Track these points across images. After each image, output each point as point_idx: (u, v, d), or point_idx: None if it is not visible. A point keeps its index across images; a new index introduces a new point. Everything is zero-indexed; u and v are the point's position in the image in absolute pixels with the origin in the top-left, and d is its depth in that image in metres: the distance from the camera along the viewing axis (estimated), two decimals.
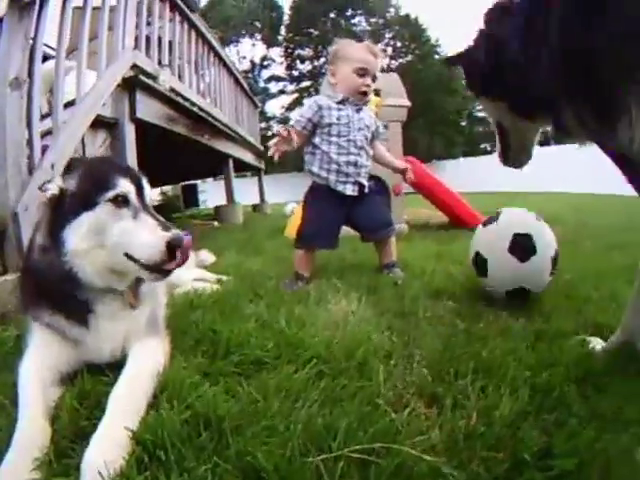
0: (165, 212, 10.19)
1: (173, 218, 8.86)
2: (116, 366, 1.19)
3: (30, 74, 2.59)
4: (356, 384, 1.11)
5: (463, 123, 34.88)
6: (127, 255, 1.16)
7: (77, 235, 1.14)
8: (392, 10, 33.90)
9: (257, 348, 1.31)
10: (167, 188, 14.31)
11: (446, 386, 1.12)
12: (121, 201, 1.16)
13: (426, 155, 28.85)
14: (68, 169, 1.22)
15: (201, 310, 1.67)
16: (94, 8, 3.26)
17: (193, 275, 2.31)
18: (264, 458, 0.82)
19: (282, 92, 35.63)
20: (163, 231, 1.15)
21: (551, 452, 0.86)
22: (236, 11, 32.03)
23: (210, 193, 15.87)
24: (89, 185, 1.17)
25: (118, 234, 1.15)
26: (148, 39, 4.36)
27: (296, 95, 34.63)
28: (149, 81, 3.81)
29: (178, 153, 5.56)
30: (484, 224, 1.96)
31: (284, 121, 34.51)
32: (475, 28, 1.32)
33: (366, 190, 2.34)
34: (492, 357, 1.21)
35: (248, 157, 8.07)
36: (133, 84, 3.61)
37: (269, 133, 32.64)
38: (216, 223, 5.97)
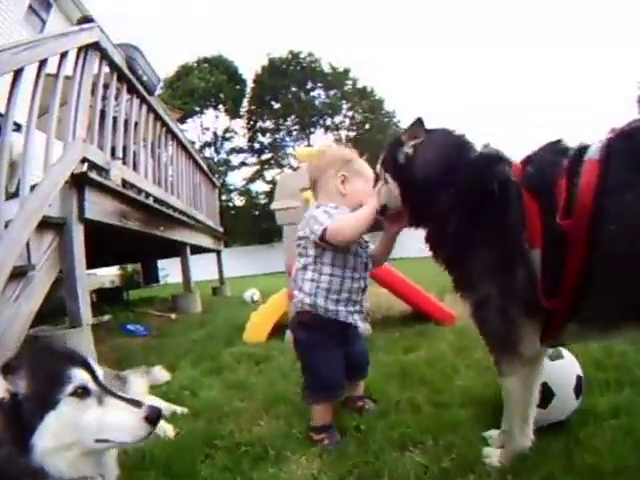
0: (123, 290, 9.94)
1: (130, 302, 8.54)
2: None
3: None
4: None
5: None
6: (100, 440, 1.16)
7: (46, 437, 1.10)
8: (349, 83, 35.53)
9: None
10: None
11: None
12: (82, 392, 1.16)
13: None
14: (8, 369, 1.16)
15: (153, 471, 1.56)
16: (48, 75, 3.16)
17: None
18: None
19: (243, 164, 36.10)
20: (136, 408, 1.17)
21: None
22: (202, 83, 32.84)
23: (171, 268, 15.41)
24: (44, 385, 1.15)
25: (89, 425, 1.14)
26: (103, 114, 4.30)
27: (257, 167, 35.36)
28: (99, 178, 3.67)
29: (133, 241, 5.41)
30: None
31: (245, 193, 35.01)
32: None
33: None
34: None
35: (206, 242, 7.95)
36: (82, 181, 3.45)
37: (230, 204, 33.01)
38: (173, 315, 5.76)
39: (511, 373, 1.41)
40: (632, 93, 22.40)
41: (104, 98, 4.38)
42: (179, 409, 2.25)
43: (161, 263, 14.95)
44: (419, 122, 1.53)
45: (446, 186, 1.42)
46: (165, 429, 1.96)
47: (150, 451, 1.68)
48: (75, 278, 3.28)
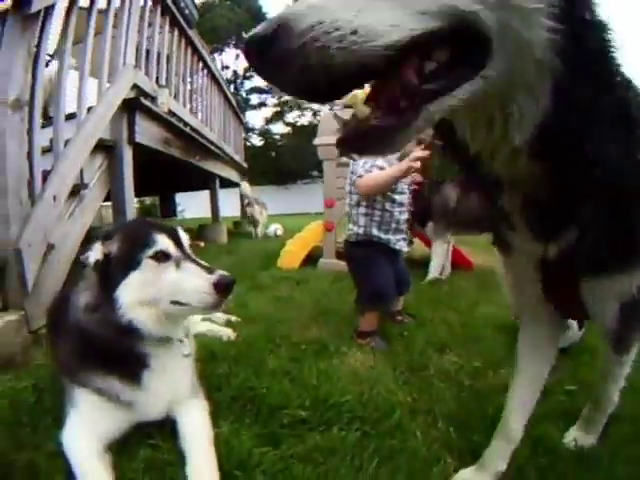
0: None
1: None
2: (157, 425, 1.28)
3: (32, 93, 2.36)
4: (400, 444, 1.23)
5: None
6: (176, 302, 1.24)
7: (129, 291, 1.21)
8: None
9: (298, 407, 1.38)
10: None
11: (465, 442, 1.24)
12: (161, 256, 1.25)
13: None
14: (106, 236, 1.29)
15: (225, 363, 1.72)
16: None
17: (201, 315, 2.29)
18: None
19: (263, 105, 35.33)
20: (208, 274, 1.22)
21: None
22: (225, 21, 31.73)
23: (187, 204, 15.54)
24: (130, 247, 1.26)
25: (165, 286, 1.23)
26: (147, 52, 4.33)
27: (277, 109, 34.65)
28: (149, 103, 3.79)
29: (166, 169, 5.54)
30: None
31: (264, 133, 34.47)
32: None
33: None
34: (497, 415, 1.22)
35: (233, 175, 8.05)
36: (133, 106, 3.58)
37: (248, 144, 32.55)
38: (202, 243, 5.89)
39: (634, 350, 1.27)
40: None
41: (149, 25, 4.41)
42: (233, 317, 2.41)
43: (178, 198, 14.95)
44: None
45: None
46: (227, 333, 2.14)
47: (220, 348, 1.88)
48: (124, 198, 3.45)
